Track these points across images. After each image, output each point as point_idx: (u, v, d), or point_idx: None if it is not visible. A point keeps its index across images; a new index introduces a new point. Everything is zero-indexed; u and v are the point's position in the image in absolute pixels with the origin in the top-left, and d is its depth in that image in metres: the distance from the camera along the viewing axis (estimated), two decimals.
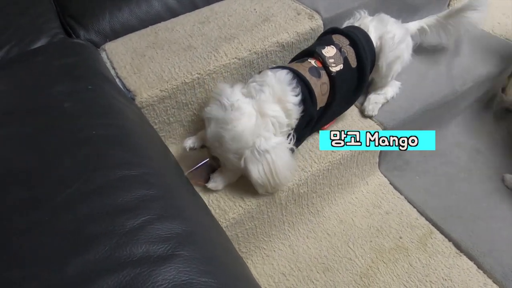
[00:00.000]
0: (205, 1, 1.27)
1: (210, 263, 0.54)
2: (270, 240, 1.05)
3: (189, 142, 0.97)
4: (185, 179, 0.86)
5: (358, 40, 0.98)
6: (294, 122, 0.93)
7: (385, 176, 1.20)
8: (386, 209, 1.12)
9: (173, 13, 1.23)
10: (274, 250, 1.05)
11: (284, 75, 0.91)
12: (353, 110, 1.15)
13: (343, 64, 0.97)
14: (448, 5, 1.50)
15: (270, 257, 1.04)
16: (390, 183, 1.18)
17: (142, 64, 1.04)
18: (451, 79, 1.21)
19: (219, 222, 0.91)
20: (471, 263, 0.99)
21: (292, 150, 0.92)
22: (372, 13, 1.17)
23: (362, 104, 1.14)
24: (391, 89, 1.16)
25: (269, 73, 0.91)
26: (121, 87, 0.97)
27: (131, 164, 0.66)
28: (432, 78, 1.21)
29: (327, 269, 1.01)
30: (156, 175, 0.67)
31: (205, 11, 1.23)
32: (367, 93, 1.15)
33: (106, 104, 0.81)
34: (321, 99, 0.96)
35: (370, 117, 1.12)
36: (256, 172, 0.86)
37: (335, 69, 0.96)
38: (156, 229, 0.55)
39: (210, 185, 0.96)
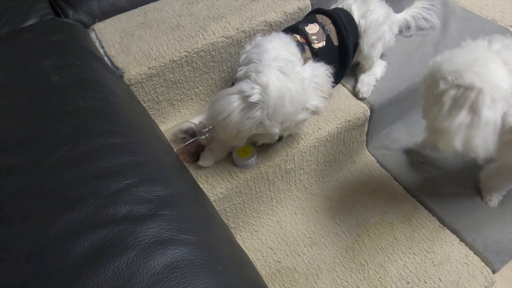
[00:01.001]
0: None
1: (191, 222, 0.56)
2: (258, 216, 1.07)
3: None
4: (173, 152, 0.87)
5: (339, 19, 1.00)
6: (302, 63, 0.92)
7: (373, 155, 1.22)
8: (373, 187, 1.15)
9: None
10: (262, 226, 1.07)
11: (282, 33, 0.93)
12: (340, 89, 1.16)
13: (326, 41, 0.98)
14: None
15: (258, 232, 1.06)
16: (378, 162, 1.21)
17: (131, 43, 1.05)
18: None
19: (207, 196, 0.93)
20: (453, 236, 1.02)
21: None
22: None
23: (354, 86, 1.15)
24: (379, 69, 1.17)
25: (259, 36, 0.93)
26: (110, 64, 0.98)
27: (117, 133, 0.68)
28: (419, 59, 1.22)
29: (314, 243, 1.03)
30: (141, 144, 0.69)
31: None
32: (356, 76, 1.17)
33: (94, 79, 0.82)
34: None
35: (364, 99, 1.13)
36: (321, 103, 0.87)
37: (317, 45, 0.97)
38: (140, 191, 0.57)
39: (201, 162, 0.98)
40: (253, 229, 1.06)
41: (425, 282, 0.94)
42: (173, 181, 0.65)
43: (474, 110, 0.72)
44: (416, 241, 1.01)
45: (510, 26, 1.35)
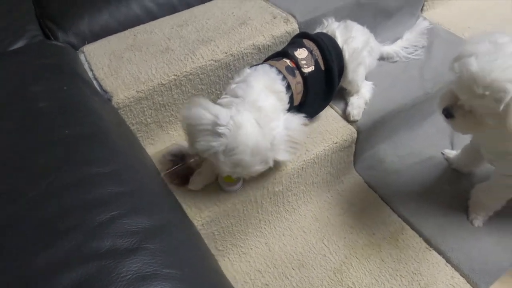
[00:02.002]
0: (185, 4, 1.29)
1: (176, 256, 0.56)
2: (246, 238, 1.07)
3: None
4: (160, 178, 0.88)
5: (324, 44, 1.02)
6: (286, 108, 0.94)
7: (360, 175, 1.24)
8: (360, 207, 1.16)
9: (152, 16, 1.25)
10: (250, 248, 1.07)
11: (268, 68, 0.94)
12: (328, 111, 1.18)
13: (314, 66, 1.00)
14: (422, 9, 1.55)
15: (246, 255, 1.06)
16: (365, 182, 1.22)
17: (120, 66, 1.06)
18: (422, 82, 1.25)
19: (195, 220, 0.93)
20: (440, 257, 1.03)
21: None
22: (348, 18, 1.21)
23: (344, 109, 1.16)
24: (366, 91, 1.19)
25: (248, 70, 0.94)
26: (98, 88, 0.99)
27: (104, 161, 0.68)
28: (405, 81, 1.25)
29: (302, 266, 1.03)
30: (128, 172, 0.69)
31: (184, 14, 1.26)
32: (346, 99, 1.18)
33: (81, 104, 0.83)
34: (296, 98, 0.99)
35: (356, 121, 1.15)
36: (288, 157, 0.89)
37: (307, 70, 0.99)
38: (125, 223, 0.57)
39: (191, 186, 0.98)
40: (241, 251, 1.06)
41: None
42: (159, 210, 0.65)
43: None
44: (403, 263, 1.02)
45: None
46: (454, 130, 0.87)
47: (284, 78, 0.93)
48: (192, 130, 0.84)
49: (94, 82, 1.02)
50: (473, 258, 1.01)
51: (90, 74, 1.04)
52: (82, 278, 0.49)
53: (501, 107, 0.70)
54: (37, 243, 0.54)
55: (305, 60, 1.00)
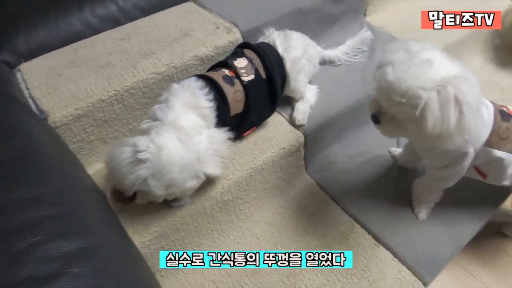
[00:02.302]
0: (128, 17, 1.28)
1: (103, 277, 0.55)
2: (199, 250, 1.06)
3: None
4: (101, 197, 0.86)
5: (264, 52, 1.05)
6: (212, 123, 0.95)
7: (312, 178, 1.26)
8: (312, 209, 1.18)
9: (94, 31, 1.23)
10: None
11: (193, 82, 0.94)
12: (275, 118, 1.20)
13: (255, 74, 1.02)
14: (365, 13, 1.61)
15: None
16: (317, 184, 1.25)
17: (58, 83, 1.03)
18: (365, 84, 1.30)
19: (142, 237, 0.92)
20: (387, 253, 1.07)
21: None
22: (292, 26, 1.24)
23: (291, 115, 1.19)
24: (311, 95, 1.22)
25: (175, 85, 0.94)
26: (34, 108, 0.96)
27: (31, 185, 0.66)
28: (348, 84, 1.30)
29: (256, 272, 1.04)
30: (57, 195, 0.68)
31: (127, 27, 1.24)
32: (292, 105, 1.21)
33: (11, 127, 0.80)
34: (236, 106, 1.01)
35: (302, 126, 1.17)
36: (217, 171, 0.90)
37: (246, 78, 1.01)
38: (47, 249, 0.55)
39: (138, 200, 0.96)
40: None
41: None
42: (91, 232, 0.64)
43: (459, 101, 0.73)
44: (353, 261, 1.05)
45: None
46: (383, 134, 0.91)
47: (210, 92, 0.94)
48: (116, 170, 0.83)
49: (30, 101, 0.98)
50: (418, 251, 1.06)
51: (26, 93, 1.01)
52: None
53: (417, 113, 0.74)
54: None
55: (245, 69, 1.02)
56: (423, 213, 1.12)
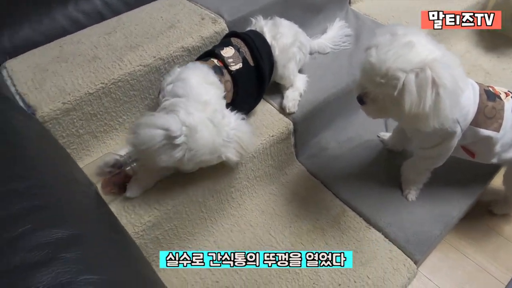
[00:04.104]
0: (112, 11, 1.27)
1: (95, 261, 0.56)
2: (194, 239, 1.07)
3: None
4: (91, 190, 0.86)
5: (251, 40, 1.05)
6: (224, 94, 0.97)
7: (303, 164, 1.28)
8: (304, 195, 1.20)
9: (79, 26, 1.22)
10: (199, 248, 1.07)
11: (199, 64, 0.97)
12: (264, 106, 1.21)
13: (242, 63, 1.03)
14: (350, 2, 1.62)
15: None
16: (308, 170, 1.26)
17: (45, 78, 1.03)
18: (351, 70, 1.31)
19: (135, 227, 0.93)
20: (379, 234, 1.09)
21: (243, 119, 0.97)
22: (277, 15, 1.25)
23: (280, 103, 1.20)
24: (300, 83, 1.23)
25: (179, 69, 0.96)
26: (21, 103, 0.96)
27: (17, 178, 0.66)
28: (335, 71, 1.31)
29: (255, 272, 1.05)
30: (46, 186, 0.68)
31: (112, 22, 1.24)
32: (282, 93, 1.22)
33: None
34: (227, 96, 1.01)
35: (292, 113, 1.18)
36: (234, 158, 0.92)
37: (234, 67, 1.01)
38: (37, 236, 0.56)
39: (128, 193, 0.97)
40: None
41: (355, 282, 0.99)
42: (81, 221, 0.64)
43: (436, 84, 0.75)
44: (346, 244, 1.07)
45: None
46: (367, 115, 0.92)
47: (215, 71, 0.96)
48: (149, 152, 0.83)
49: (17, 97, 0.98)
50: (407, 230, 1.08)
51: (12, 89, 1.00)
52: None
53: (395, 93, 0.76)
54: None
55: (232, 58, 1.02)
56: (412, 194, 1.14)
